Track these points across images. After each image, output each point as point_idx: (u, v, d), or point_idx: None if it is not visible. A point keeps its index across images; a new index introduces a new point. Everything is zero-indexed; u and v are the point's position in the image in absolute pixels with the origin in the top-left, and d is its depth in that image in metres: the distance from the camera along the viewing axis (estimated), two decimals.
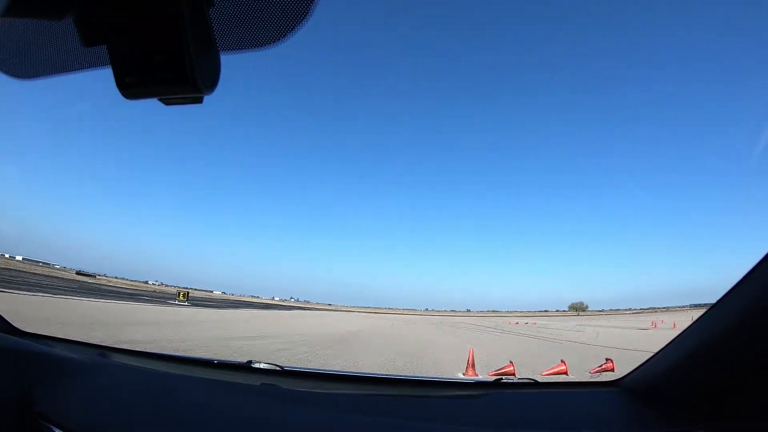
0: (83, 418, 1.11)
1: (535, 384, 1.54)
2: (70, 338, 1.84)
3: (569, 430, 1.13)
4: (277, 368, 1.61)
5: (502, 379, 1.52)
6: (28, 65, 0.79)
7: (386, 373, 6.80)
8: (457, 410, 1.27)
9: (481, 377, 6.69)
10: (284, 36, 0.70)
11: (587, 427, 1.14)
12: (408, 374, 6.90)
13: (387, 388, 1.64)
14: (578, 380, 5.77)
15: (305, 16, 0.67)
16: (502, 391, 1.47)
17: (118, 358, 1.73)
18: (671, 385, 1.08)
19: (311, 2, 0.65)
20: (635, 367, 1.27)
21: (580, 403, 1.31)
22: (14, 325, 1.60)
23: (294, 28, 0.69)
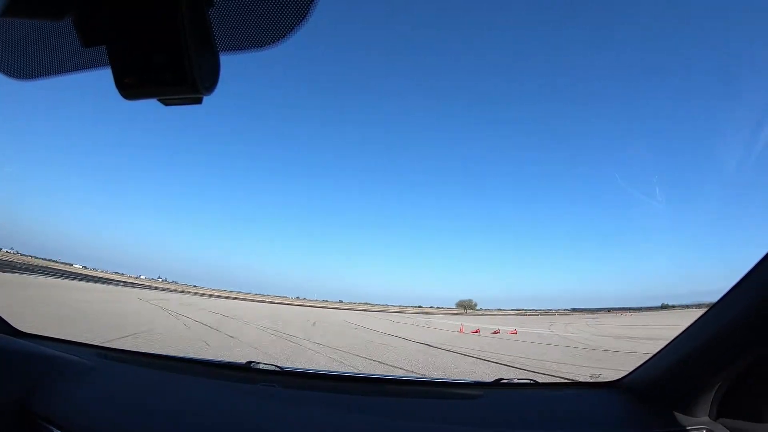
0: (83, 419, 1.11)
1: (535, 384, 1.54)
2: (69, 339, 1.84)
3: (569, 430, 1.13)
4: (276, 369, 1.62)
5: (501, 379, 1.52)
6: (28, 65, 0.79)
7: (386, 373, 6.80)
8: (457, 410, 1.27)
9: (481, 377, 6.69)
10: (284, 36, 0.70)
11: (587, 428, 1.14)
12: (408, 374, 6.90)
13: (386, 388, 1.63)
14: (578, 380, 5.77)
15: (305, 16, 0.67)
16: (501, 391, 1.47)
17: (117, 359, 1.73)
18: (671, 385, 1.08)
19: (311, 2, 0.65)
20: (635, 366, 1.27)
21: (580, 403, 1.32)
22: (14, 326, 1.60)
23: (294, 28, 0.69)
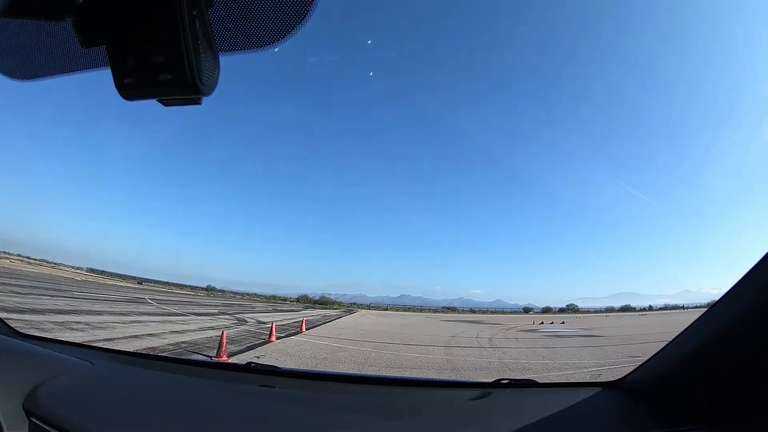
0: (83, 420, 1.11)
1: (535, 384, 1.54)
2: (69, 340, 1.84)
3: (569, 430, 1.13)
4: (276, 369, 1.62)
5: (502, 379, 1.52)
6: (27, 66, 0.79)
7: (385, 373, 6.79)
8: (457, 410, 1.27)
9: (481, 378, 6.69)
10: (284, 36, 0.70)
11: (587, 428, 1.14)
12: (407, 375, 6.90)
13: (386, 389, 1.64)
14: (578, 380, 5.77)
15: (305, 16, 0.67)
16: (501, 391, 1.47)
17: (117, 360, 1.73)
18: (671, 385, 1.08)
19: (311, 2, 0.65)
20: (635, 366, 1.27)
21: (580, 403, 1.31)
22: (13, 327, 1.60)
23: (294, 28, 0.69)
